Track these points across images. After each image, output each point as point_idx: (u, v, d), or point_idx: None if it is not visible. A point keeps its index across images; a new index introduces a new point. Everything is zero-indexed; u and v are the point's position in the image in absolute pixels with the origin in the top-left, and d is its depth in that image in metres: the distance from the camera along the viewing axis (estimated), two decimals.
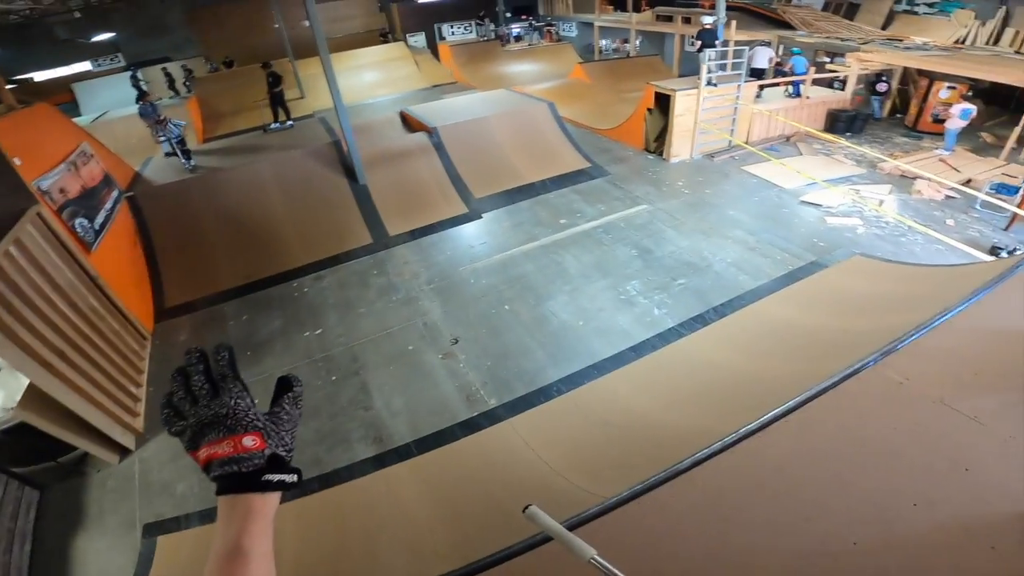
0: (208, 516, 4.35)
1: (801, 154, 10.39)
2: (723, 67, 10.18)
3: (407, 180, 9.21)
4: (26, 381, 4.63)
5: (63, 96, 15.98)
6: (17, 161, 5.55)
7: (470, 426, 4.89)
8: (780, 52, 12.62)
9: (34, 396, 4.55)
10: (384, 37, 20.61)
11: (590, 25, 20.70)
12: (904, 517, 2.07)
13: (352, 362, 5.92)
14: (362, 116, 11.77)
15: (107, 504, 4.74)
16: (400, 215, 8.67)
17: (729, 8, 11.35)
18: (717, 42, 9.97)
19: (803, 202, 8.34)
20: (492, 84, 15.68)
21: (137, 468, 5.00)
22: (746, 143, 10.45)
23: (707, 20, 10.24)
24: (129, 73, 16.56)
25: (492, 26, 22.11)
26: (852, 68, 11.39)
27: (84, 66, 18.16)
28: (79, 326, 5.22)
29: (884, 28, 14.11)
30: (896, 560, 1.95)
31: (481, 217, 8.74)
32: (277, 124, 12.16)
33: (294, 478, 0.73)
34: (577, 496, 3.63)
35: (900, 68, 11.81)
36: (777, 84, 11.52)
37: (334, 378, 5.74)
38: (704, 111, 10.11)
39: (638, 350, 5.53)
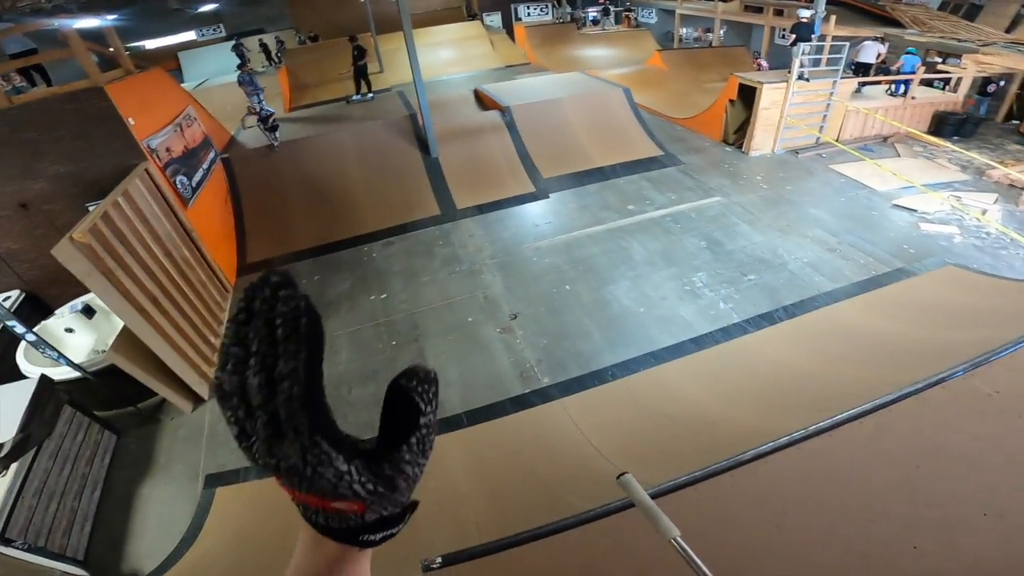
0: (265, 470, 4.60)
1: (899, 156, 9.63)
2: (817, 62, 9.57)
3: (478, 156, 9.33)
4: (117, 327, 4.91)
5: (170, 63, 17.14)
6: (131, 121, 6.03)
7: (521, 402, 4.94)
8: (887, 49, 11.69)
9: (125, 341, 4.83)
10: (472, 17, 20.74)
11: (671, 12, 19.92)
12: (971, 525, 1.99)
13: (412, 329, 6.12)
14: (437, 92, 11.95)
15: (176, 452, 4.99)
16: (469, 189, 8.82)
17: (830, 3, 10.59)
18: (813, 36, 9.37)
19: (895, 206, 7.76)
20: (566, 67, 15.47)
21: (207, 418, 5.24)
22: (836, 140, 9.81)
23: (804, 13, 9.63)
24: (231, 43, 17.52)
25: (568, 9, 21.75)
26: (968, 70, 10.40)
27: (189, 36, 19.45)
28: (172, 275, 5.60)
29: (1008, 31, 12.77)
30: (955, 566, 1.89)
31: (548, 197, 8.74)
32: (359, 96, 12.58)
33: (403, 525, 0.52)
34: None
35: (1022, 73, 10.67)
36: (879, 82, 10.70)
37: (394, 343, 5.95)
38: (792, 106, 9.56)
39: (699, 342, 5.39)
